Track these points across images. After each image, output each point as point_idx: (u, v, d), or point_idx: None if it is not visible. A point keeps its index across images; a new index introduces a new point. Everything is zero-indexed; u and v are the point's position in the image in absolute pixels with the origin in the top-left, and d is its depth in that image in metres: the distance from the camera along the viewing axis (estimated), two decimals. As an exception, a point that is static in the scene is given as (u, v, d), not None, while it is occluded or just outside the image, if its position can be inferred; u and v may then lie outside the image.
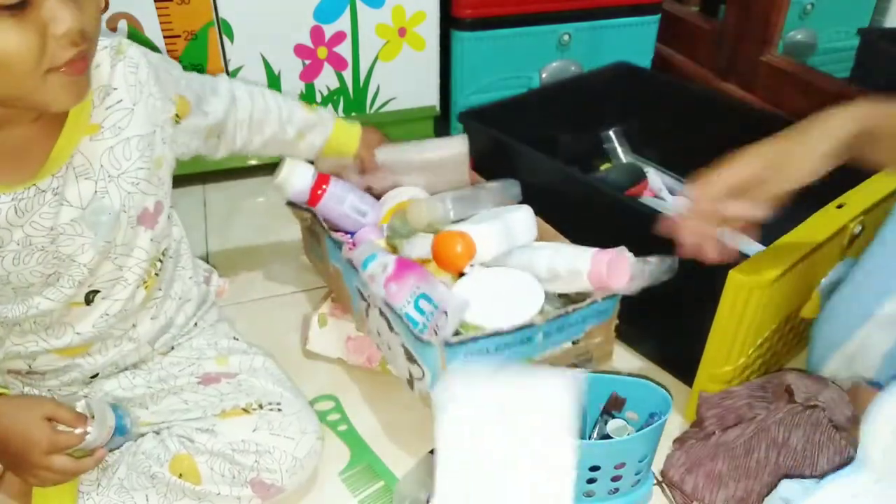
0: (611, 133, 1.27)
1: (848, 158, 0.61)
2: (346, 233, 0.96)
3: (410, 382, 0.76)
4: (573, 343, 0.79)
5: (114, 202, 0.65)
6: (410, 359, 0.73)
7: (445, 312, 0.71)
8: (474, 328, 0.72)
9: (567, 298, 0.81)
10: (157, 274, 0.74)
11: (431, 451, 0.77)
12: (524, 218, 0.86)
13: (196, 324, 0.82)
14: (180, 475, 0.69)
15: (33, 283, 0.64)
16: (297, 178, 0.92)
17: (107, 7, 1.08)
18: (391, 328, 0.75)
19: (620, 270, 0.75)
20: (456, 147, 0.95)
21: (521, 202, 0.91)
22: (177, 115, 0.72)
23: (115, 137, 0.64)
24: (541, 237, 0.87)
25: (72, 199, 0.63)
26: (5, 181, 0.59)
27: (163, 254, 0.75)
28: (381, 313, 0.76)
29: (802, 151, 0.60)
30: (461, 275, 0.82)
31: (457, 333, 0.71)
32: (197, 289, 0.82)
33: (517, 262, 0.82)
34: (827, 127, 0.60)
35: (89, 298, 0.68)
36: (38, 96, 0.53)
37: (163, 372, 0.78)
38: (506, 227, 0.83)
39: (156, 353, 0.79)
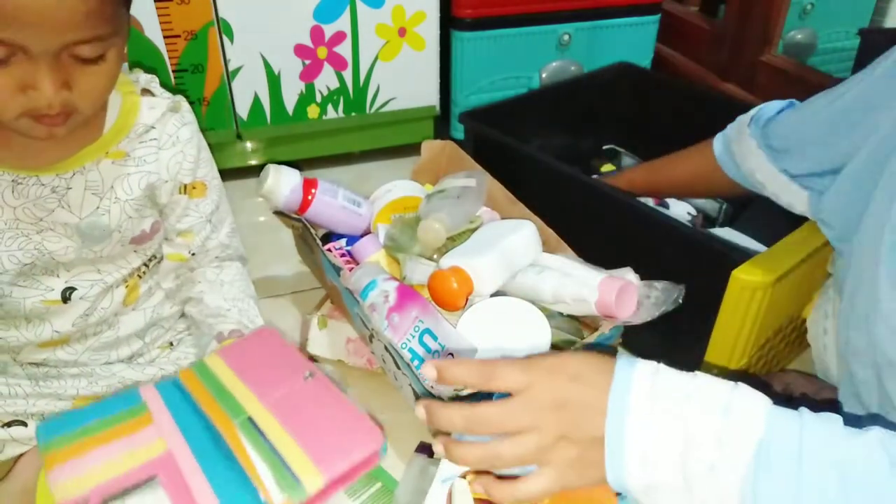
0: (611, 134, 1.27)
1: (643, 194, 1.00)
2: (342, 236, 0.94)
3: None
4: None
5: (111, 222, 0.67)
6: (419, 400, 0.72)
7: (451, 354, 0.70)
8: None
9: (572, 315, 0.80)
10: (140, 276, 0.75)
11: (417, 449, 0.77)
12: (526, 238, 0.82)
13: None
14: None
15: (7, 270, 0.65)
16: (284, 185, 0.87)
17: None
18: (398, 366, 0.73)
19: (628, 300, 0.74)
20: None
21: (521, 202, 0.90)
22: (191, 188, 0.74)
23: (136, 168, 0.68)
24: (544, 242, 0.84)
25: (73, 205, 0.65)
26: (11, 163, 0.62)
27: (151, 258, 0.76)
28: (387, 349, 0.74)
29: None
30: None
31: None
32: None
33: (520, 287, 0.79)
34: (615, 177, 1.06)
35: (66, 296, 0.69)
36: (11, 127, 0.56)
37: (171, 367, 0.79)
38: (503, 255, 0.78)
39: (153, 348, 0.79)
